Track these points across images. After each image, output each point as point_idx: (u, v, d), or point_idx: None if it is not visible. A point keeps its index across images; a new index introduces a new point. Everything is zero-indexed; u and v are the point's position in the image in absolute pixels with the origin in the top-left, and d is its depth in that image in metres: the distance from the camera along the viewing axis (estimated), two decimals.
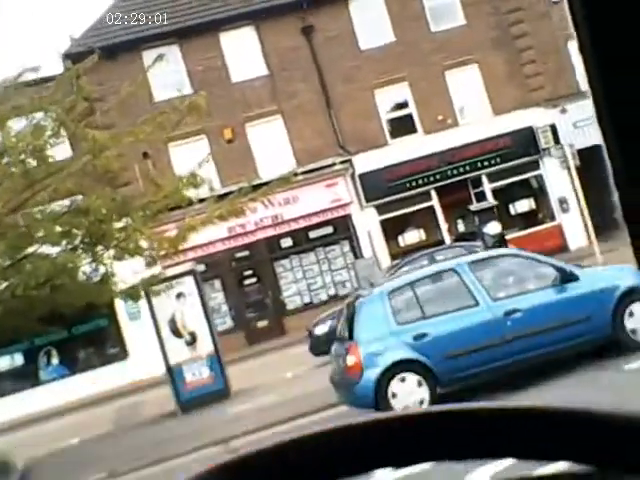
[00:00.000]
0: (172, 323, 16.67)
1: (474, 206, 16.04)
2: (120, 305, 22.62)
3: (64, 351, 25.46)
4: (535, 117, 27.04)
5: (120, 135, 14.34)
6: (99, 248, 13.85)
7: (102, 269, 14.17)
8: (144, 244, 14.21)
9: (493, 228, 15.17)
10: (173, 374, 16.64)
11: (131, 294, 15.09)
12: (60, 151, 14.61)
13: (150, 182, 16.23)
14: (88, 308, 17.11)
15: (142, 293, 15.31)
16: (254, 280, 26.55)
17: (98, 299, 14.60)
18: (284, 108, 26.88)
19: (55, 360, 25.57)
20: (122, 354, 25.40)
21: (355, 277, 19.13)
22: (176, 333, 16.69)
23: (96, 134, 12.96)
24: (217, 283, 26.27)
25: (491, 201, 16.29)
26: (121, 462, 13.08)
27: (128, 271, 14.95)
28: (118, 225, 14.24)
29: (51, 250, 14.09)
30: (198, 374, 16.70)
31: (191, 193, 14.87)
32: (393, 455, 0.74)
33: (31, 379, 24.82)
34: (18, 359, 25.32)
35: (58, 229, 12.54)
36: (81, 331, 25.30)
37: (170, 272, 16.84)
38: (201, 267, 23.22)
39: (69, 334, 25.09)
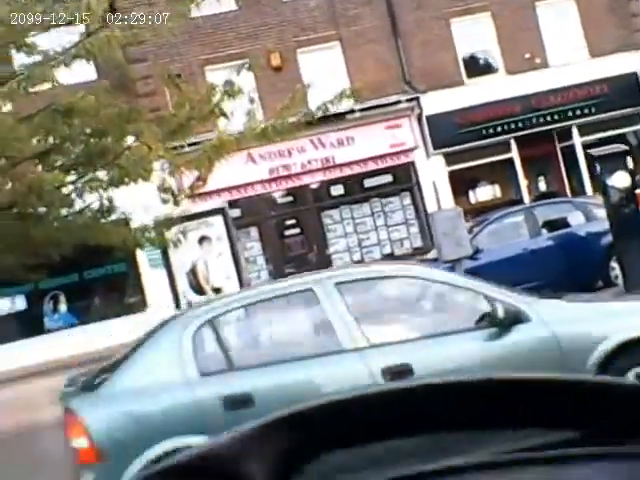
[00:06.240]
0: (192, 275, 13.18)
1: (596, 150, 12.41)
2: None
3: (74, 298, 22.32)
4: (639, 62, 23.18)
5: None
6: (97, 170, 10.34)
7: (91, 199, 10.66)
8: (157, 167, 10.60)
9: (621, 180, 11.48)
10: None
11: (148, 238, 11.68)
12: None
13: (177, 94, 12.58)
14: (102, 250, 13.83)
15: (156, 238, 11.81)
16: (297, 231, 23.14)
17: (89, 239, 11.02)
18: (343, 34, 23.21)
19: (63, 307, 22.44)
20: (141, 305, 22.25)
21: (427, 231, 15.55)
22: (196, 288, 13.19)
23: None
24: (253, 231, 22.87)
25: (621, 145, 12.68)
26: None
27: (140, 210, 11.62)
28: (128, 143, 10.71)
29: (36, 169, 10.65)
30: None
31: (225, 107, 11.30)
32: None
33: (35, 326, 21.74)
34: (20, 303, 22.16)
35: (26, 134, 8.98)
36: (94, 276, 22.14)
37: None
38: (236, 212, 20.43)
39: (80, 278, 21.96)
